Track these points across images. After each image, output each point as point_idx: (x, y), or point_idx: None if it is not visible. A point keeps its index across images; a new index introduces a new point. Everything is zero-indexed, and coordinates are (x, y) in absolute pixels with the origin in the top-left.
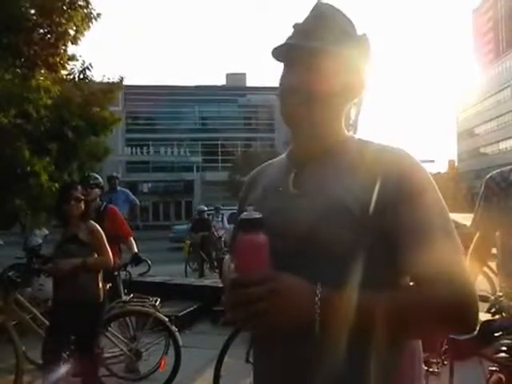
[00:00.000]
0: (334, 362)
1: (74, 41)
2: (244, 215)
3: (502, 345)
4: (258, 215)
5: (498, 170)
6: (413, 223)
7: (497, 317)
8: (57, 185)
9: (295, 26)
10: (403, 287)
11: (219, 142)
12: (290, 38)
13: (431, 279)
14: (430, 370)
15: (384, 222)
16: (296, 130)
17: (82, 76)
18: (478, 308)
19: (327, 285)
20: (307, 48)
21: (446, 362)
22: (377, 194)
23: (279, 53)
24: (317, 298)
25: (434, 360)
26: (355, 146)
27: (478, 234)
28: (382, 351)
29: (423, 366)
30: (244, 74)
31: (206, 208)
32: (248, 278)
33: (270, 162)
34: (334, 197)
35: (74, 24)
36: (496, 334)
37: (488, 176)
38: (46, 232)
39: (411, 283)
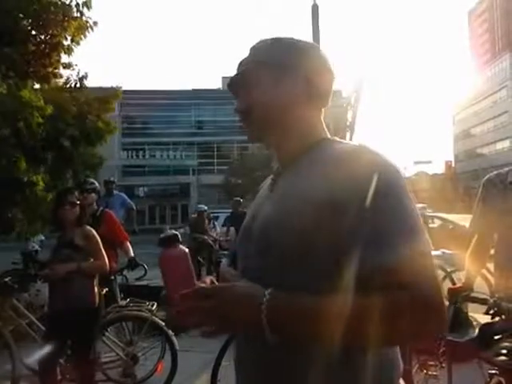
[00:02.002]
0: (287, 363)
1: (68, 51)
2: (162, 235)
3: (502, 348)
4: (170, 233)
5: (496, 172)
6: (379, 224)
7: (496, 319)
8: (51, 195)
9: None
10: (368, 291)
11: (215, 145)
12: None
13: (396, 283)
14: (429, 372)
15: (350, 224)
16: (266, 145)
17: (78, 85)
18: (444, 309)
19: (274, 283)
20: (240, 74)
21: (444, 365)
22: (341, 196)
23: (229, 91)
24: (263, 306)
25: (433, 363)
26: (327, 147)
27: (476, 236)
28: (339, 356)
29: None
30: None
31: (206, 208)
32: (196, 291)
33: None
34: (299, 200)
35: (69, 35)
36: (496, 337)
37: (486, 178)
38: (42, 237)
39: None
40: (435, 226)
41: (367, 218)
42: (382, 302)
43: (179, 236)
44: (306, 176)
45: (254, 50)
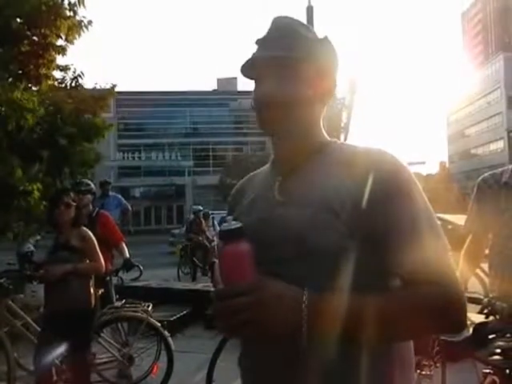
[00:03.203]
0: (323, 365)
1: (62, 51)
2: (223, 226)
3: (496, 347)
4: (237, 225)
5: (490, 172)
6: (399, 223)
7: (490, 318)
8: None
9: (257, 41)
10: (392, 288)
11: (210, 147)
12: (253, 54)
13: (419, 279)
14: (423, 372)
15: (371, 224)
16: (275, 139)
17: (73, 84)
18: (465, 306)
19: (317, 290)
20: (270, 57)
21: (438, 365)
22: (362, 195)
23: (247, 70)
24: (303, 305)
25: (426, 363)
26: (337, 149)
27: (470, 236)
28: (373, 354)
29: (413, 373)
30: (235, 79)
31: (201, 208)
32: (232, 288)
33: (257, 171)
34: (320, 202)
35: (62, 34)
36: (490, 336)
37: (480, 178)
38: (38, 237)
39: (400, 283)
40: None
41: (389, 217)
42: (421, 297)
43: (242, 230)
44: (324, 178)
45: (289, 34)
